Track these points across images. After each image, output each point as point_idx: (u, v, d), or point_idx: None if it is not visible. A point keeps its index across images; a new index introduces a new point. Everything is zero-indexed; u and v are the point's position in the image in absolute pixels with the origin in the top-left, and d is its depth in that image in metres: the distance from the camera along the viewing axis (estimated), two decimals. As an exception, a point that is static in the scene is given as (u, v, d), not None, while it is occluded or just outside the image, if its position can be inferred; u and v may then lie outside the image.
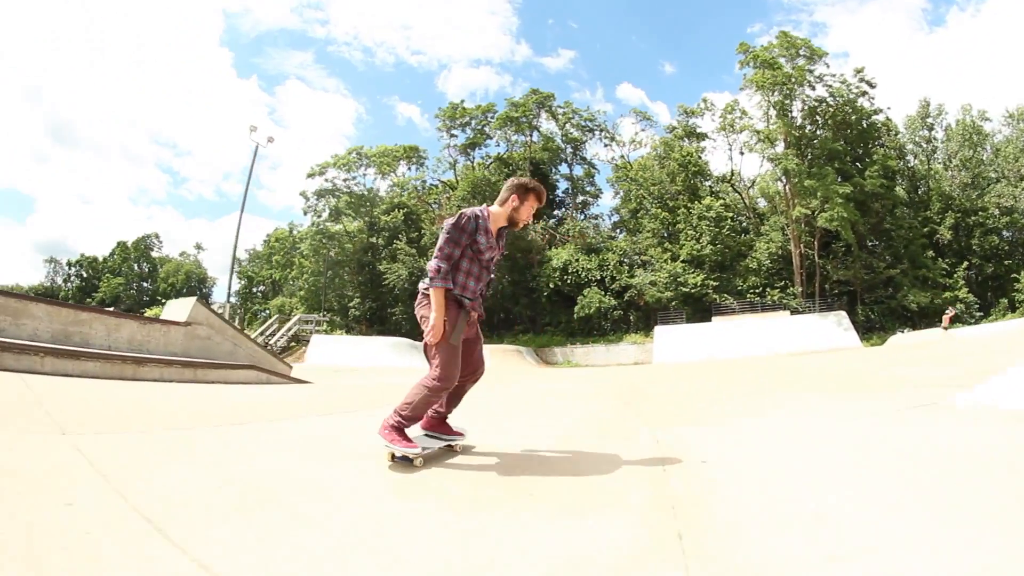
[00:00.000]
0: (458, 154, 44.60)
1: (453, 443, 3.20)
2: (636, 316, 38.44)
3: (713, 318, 35.81)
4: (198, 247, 75.59)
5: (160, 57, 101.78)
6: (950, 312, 30.03)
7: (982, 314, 35.89)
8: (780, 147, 37.28)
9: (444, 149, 44.60)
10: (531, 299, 40.86)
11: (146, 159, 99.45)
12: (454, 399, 3.20)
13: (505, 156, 44.70)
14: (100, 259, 75.72)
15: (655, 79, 74.31)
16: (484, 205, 3.03)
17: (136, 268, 74.68)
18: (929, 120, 39.66)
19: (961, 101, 49.35)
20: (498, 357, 33.63)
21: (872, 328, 35.65)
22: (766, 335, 32.89)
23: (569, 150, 43.85)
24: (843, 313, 33.98)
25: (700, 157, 39.45)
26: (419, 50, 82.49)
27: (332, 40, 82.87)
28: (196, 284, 71.75)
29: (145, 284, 74.92)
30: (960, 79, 64.45)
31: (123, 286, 71.84)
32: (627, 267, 38.60)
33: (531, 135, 43.68)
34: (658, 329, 35.33)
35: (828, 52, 36.99)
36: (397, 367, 26.91)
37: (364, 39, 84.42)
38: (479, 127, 44.28)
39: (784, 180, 36.38)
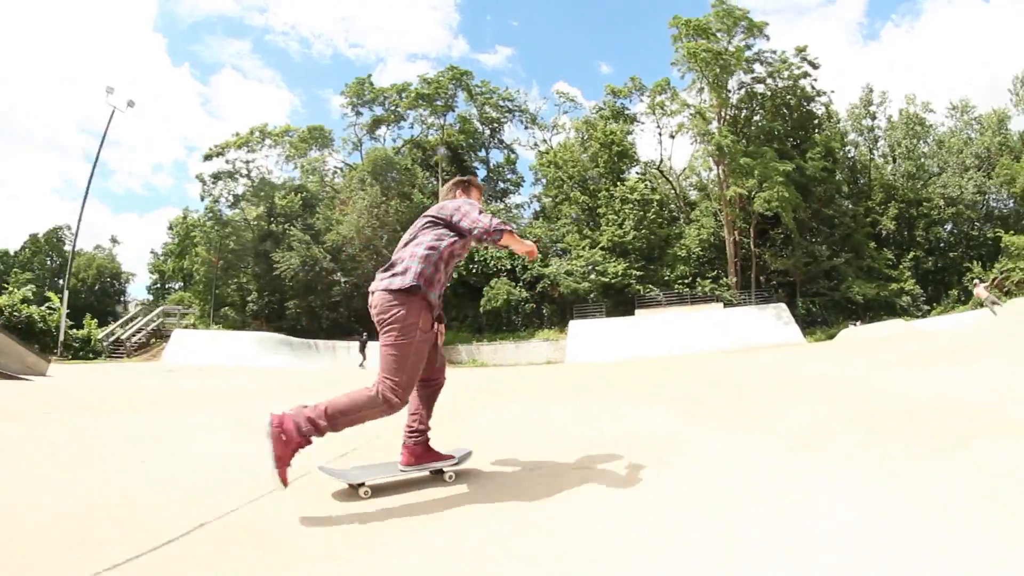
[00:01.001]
0: (364, 133, 38.49)
1: (442, 468, 2.46)
2: (550, 310, 32.44)
3: (636, 311, 30.15)
4: (114, 240, 67.45)
5: (91, 41, 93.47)
6: (979, 281, 22.65)
7: (928, 307, 31.44)
8: (714, 126, 32.18)
9: (349, 128, 38.43)
10: (436, 292, 34.52)
11: (72, 149, 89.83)
12: (431, 408, 2.52)
13: (420, 139, 38.82)
14: (11, 253, 67.12)
15: (591, 79, 71.40)
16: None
17: (48, 262, 66.23)
18: (872, 108, 35.22)
19: (905, 93, 45.73)
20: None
21: (814, 322, 30.44)
22: (698, 330, 27.44)
23: (487, 133, 38.11)
24: (783, 306, 28.78)
25: (626, 139, 34.09)
26: (357, 42, 77.09)
27: (270, 29, 76.65)
28: (109, 279, 63.60)
29: (58, 280, 66.36)
30: (893, 91, 62.73)
31: (34, 280, 63.20)
32: (541, 255, 32.71)
33: (445, 117, 37.89)
34: (573, 324, 29.45)
35: (768, 23, 32.25)
36: (262, 367, 20.30)
37: (302, 29, 78.66)
38: (392, 107, 38.35)
39: (718, 159, 31.13)
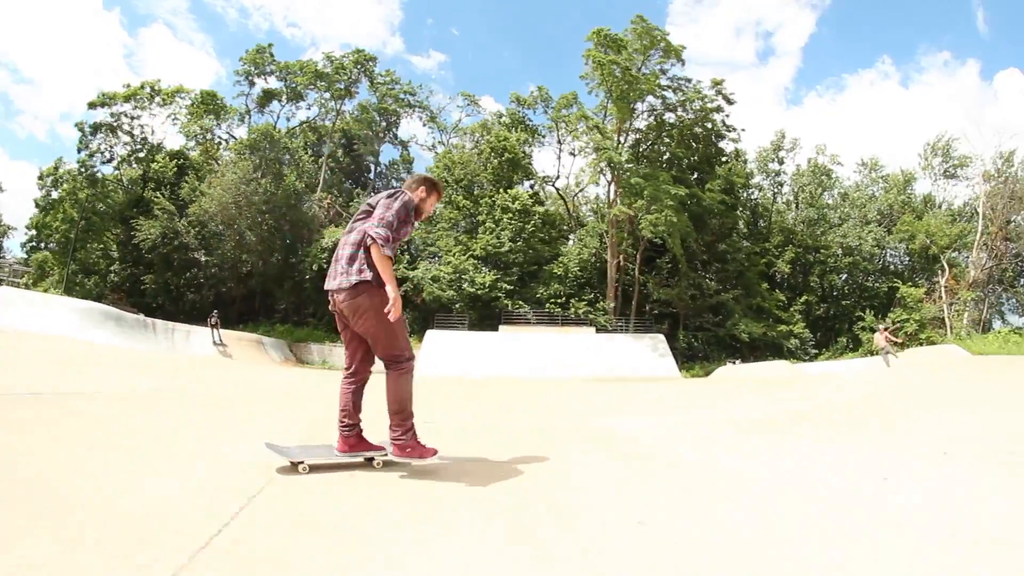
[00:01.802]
0: (254, 106, 34.44)
1: (370, 457, 2.73)
2: (412, 317, 28.50)
3: (500, 327, 26.56)
4: (-3, 188, 60.23)
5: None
6: (882, 329, 20.84)
7: (817, 351, 29.07)
8: (612, 144, 29.21)
9: (239, 97, 34.31)
10: (295, 283, 30.36)
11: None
12: (359, 401, 2.75)
13: (315, 122, 34.96)
14: None
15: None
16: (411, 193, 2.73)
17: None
18: (782, 153, 33.06)
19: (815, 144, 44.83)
20: (230, 345, 23.63)
21: (694, 356, 27.43)
22: (565, 354, 24.11)
23: (383, 124, 34.42)
24: (660, 336, 25.64)
25: (522, 149, 30.87)
26: (295, 22, 71.65)
27: (211, -11, 71.08)
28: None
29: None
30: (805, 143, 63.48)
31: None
32: (409, 257, 28.95)
33: (341, 103, 34.16)
34: (430, 334, 25.63)
35: (686, 47, 29.70)
36: (87, 340, 16.03)
37: (244, -3, 72.54)
38: (291, 84, 34.45)
39: (610, 176, 28.10)
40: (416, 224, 2.84)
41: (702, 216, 27.57)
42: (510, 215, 27.53)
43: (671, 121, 30.01)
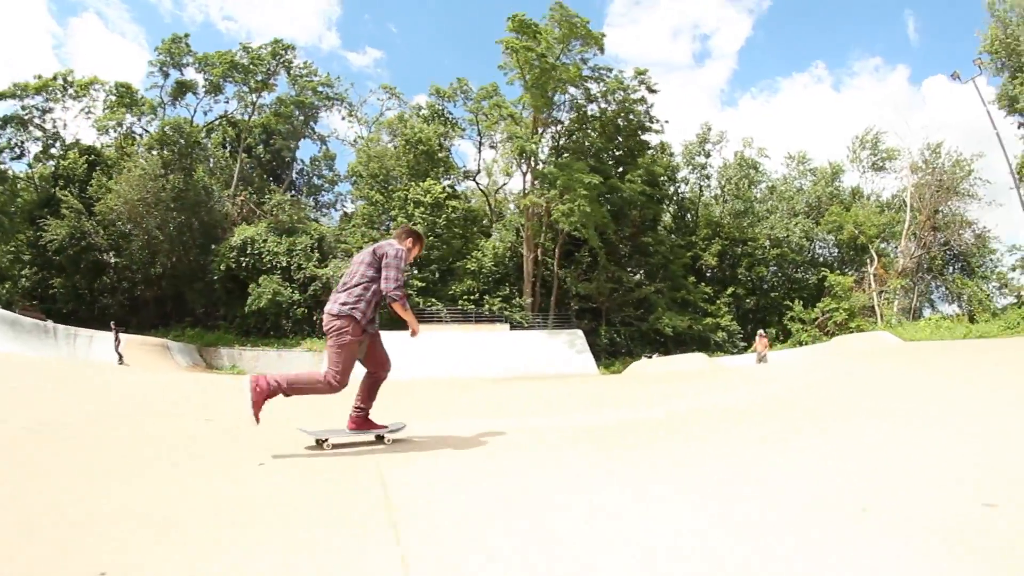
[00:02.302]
0: (168, 97, 32.41)
1: (382, 434, 3.51)
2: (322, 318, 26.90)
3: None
4: None
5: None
6: (762, 334, 20.98)
7: (745, 344, 28.12)
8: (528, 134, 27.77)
9: (151, 89, 32.26)
10: (205, 284, 28.52)
11: None
12: (372, 393, 3.52)
13: (234, 116, 33.07)
14: None
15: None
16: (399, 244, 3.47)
17: None
18: (708, 146, 31.96)
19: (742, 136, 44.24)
20: (133, 351, 21.39)
21: (617, 352, 26.23)
22: (476, 352, 22.88)
23: (301, 119, 32.60)
24: (578, 332, 24.43)
25: (440, 141, 29.31)
26: (231, 15, 68.49)
27: (146, -22, 67.50)
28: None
29: None
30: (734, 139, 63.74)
31: None
32: (318, 254, 27.30)
33: (259, 96, 32.28)
34: (337, 336, 24.12)
35: (605, 34, 28.36)
36: None
37: (179, -13, 69.38)
38: (209, 76, 32.48)
39: (523, 166, 26.72)
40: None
41: (622, 208, 26.32)
42: (422, 209, 26.00)
43: (594, 112, 28.71)
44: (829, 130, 58.09)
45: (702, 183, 32.13)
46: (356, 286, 3.28)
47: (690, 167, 32.07)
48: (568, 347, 24.10)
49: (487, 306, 25.19)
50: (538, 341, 24.22)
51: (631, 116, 28.32)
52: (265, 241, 27.68)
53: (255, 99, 32.45)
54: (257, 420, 3.02)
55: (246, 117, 32.76)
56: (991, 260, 29.24)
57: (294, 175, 34.07)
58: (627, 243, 26.77)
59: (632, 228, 26.79)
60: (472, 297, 25.37)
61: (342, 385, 3.16)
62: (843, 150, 37.59)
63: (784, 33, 67.26)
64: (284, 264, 27.20)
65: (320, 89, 32.67)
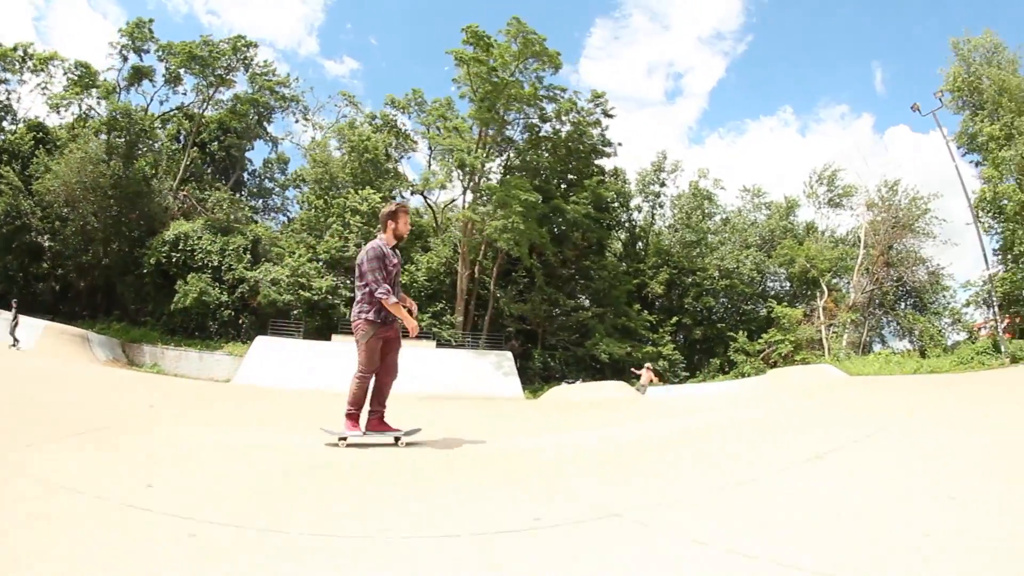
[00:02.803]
0: (124, 82, 31.57)
1: (397, 436, 4.06)
2: (249, 321, 25.89)
3: (335, 337, 24.09)
4: None
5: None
6: (649, 367, 20.63)
7: (688, 374, 27.08)
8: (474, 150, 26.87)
9: (109, 71, 31.36)
10: (136, 277, 27.53)
11: None
12: (380, 397, 4.16)
13: (190, 110, 32.23)
14: None
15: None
16: (378, 238, 4.07)
17: None
18: (663, 175, 31.12)
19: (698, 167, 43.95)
20: (49, 340, 21.15)
21: (550, 377, 25.26)
22: (404, 368, 21.67)
23: (255, 119, 31.71)
24: (507, 354, 23.49)
25: (387, 151, 28.42)
26: (215, 10, 67.58)
27: (135, -35, 66.48)
28: None
29: None
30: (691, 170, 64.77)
31: None
32: (250, 256, 26.32)
33: (215, 91, 31.45)
34: (259, 340, 23.24)
35: (561, 53, 27.58)
36: None
37: (167, -20, 68.37)
38: (170, 68, 31.70)
39: (464, 180, 25.83)
40: (398, 254, 4.20)
41: (566, 230, 25.41)
42: (359, 218, 25.07)
43: (547, 133, 27.87)
44: (792, 173, 58.68)
45: (655, 211, 31.23)
46: (360, 297, 4.00)
47: (643, 195, 31.17)
48: (495, 368, 23.12)
49: (418, 322, 24.10)
50: (464, 361, 23.23)
51: (584, 139, 27.49)
52: (200, 238, 26.77)
53: (212, 93, 31.66)
54: (396, 437, 4.04)
55: (202, 111, 31.95)
56: (944, 296, 28.47)
57: (245, 176, 33.14)
58: (569, 266, 25.79)
59: (574, 251, 25.83)
60: (401, 311, 24.29)
61: (370, 372, 3.97)
62: (801, 186, 36.82)
63: (755, 77, 69.01)
64: (216, 264, 26.25)
65: (277, 89, 31.84)
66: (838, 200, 29.40)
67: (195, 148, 31.96)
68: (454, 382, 21.47)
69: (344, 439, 3.85)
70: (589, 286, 25.90)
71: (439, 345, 24.02)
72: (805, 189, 29.65)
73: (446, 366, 22.66)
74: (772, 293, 30.22)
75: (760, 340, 25.25)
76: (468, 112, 25.58)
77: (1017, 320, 23.46)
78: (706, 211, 30.97)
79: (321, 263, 25.37)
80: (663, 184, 30.71)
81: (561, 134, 27.81)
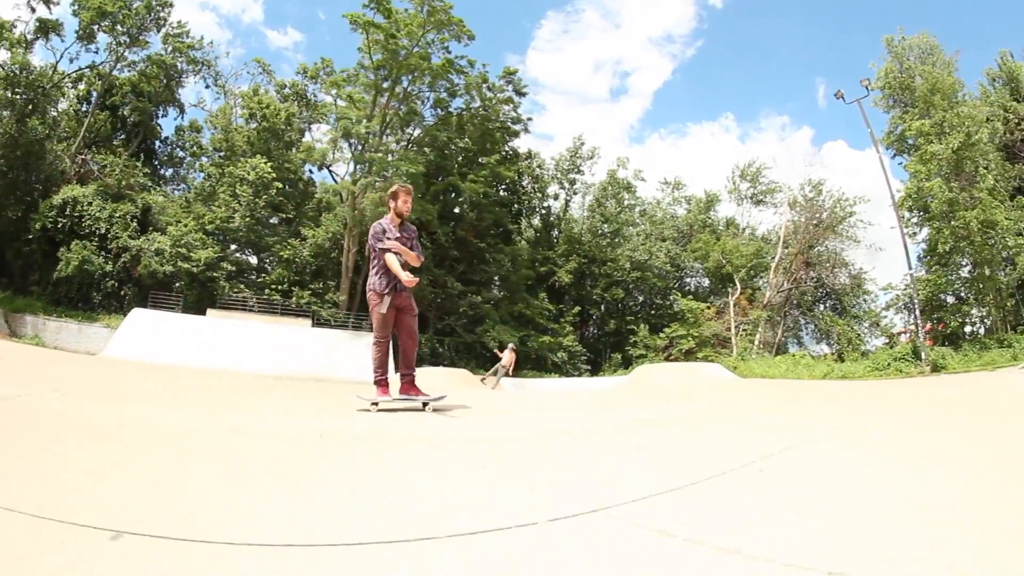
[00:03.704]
0: (31, 35, 29.94)
1: (426, 401, 4.30)
2: (132, 292, 24.84)
3: (210, 311, 23.06)
4: None
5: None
6: (513, 347, 19.38)
7: (589, 368, 25.94)
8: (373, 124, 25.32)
9: (16, 23, 29.66)
10: (24, 244, 26.44)
11: None
12: (407, 360, 4.47)
13: (103, 70, 30.68)
14: None
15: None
16: (385, 217, 4.47)
17: None
18: (579, 160, 29.51)
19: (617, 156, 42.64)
20: None
21: (438, 363, 24.11)
22: (269, 347, 21.04)
23: (164, 83, 30.04)
24: None
25: (289, 119, 26.81)
26: None
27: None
28: None
29: None
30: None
31: None
32: (136, 224, 25.12)
33: (128, 51, 29.84)
34: (135, 312, 22.30)
35: (475, 35, 25.82)
36: None
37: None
38: (83, 23, 30.03)
39: (352, 149, 24.40)
40: (410, 229, 4.48)
41: (461, 210, 24.02)
42: (245, 187, 23.76)
43: (458, 108, 26.32)
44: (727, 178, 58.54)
45: (569, 199, 29.74)
46: (371, 272, 4.38)
47: (559, 182, 29.65)
48: (368, 350, 21.93)
49: (295, 298, 22.99)
50: (337, 341, 22.23)
51: (492, 116, 25.93)
52: (90, 204, 25.57)
53: (123, 53, 30.09)
54: (423, 401, 4.33)
55: (111, 72, 30.41)
56: (865, 300, 27.07)
57: (157, 143, 31.69)
58: (464, 248, 24.44)
59: (471, 232, 24.46)
60: (281, 287, 23.17)
61: (383, 337, 4.38)
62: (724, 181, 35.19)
63: (701, 81, 69.22)
64: (103, 231, 25.09)
65: (190, 53, 30.23)
66: (761, 197, 27.89)
67: (106, 111, 30.50)
68: (321, 363, 20.55)
69: (376, 404, 4.16)
70: (485, 270, 24.58)
71: (316, 324, 22.91)
72: (727, 184, 28.22)
73: (316, 346, 21.69)
74: (688, 289, 28.88)
75: (662, 335, 23.96)
76: (360, 80, 24.00)
77: (940, 326, 22.14)
78: (625, 202, 29.45)
79: (208, 234, 24.16)
80: (579, 171, 29.14)
81: (470, 110, 26.26)
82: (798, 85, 68.00)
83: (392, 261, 4.13)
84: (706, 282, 28.75)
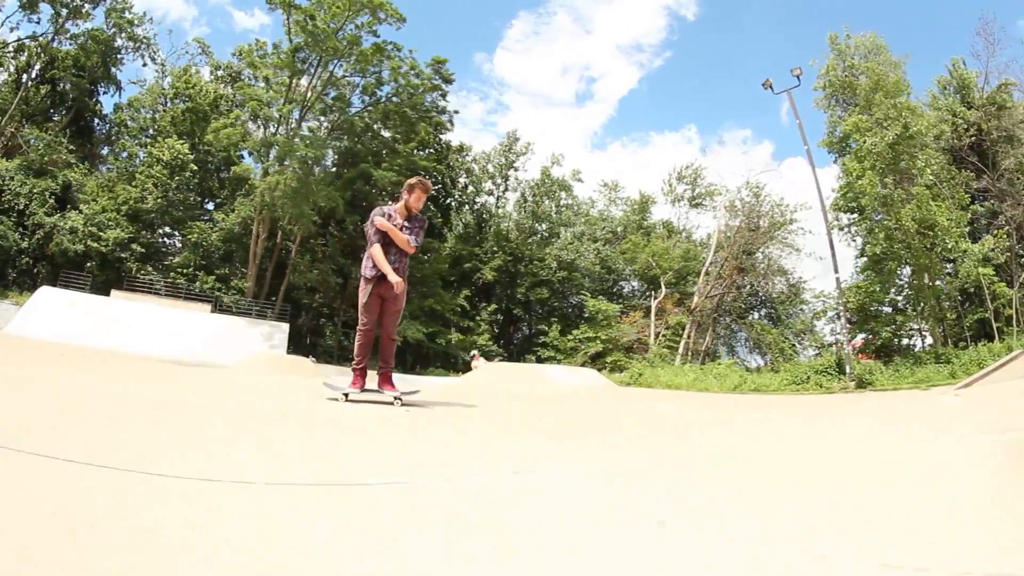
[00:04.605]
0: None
1: (397, 396, 4.07)
2: (45, 271, 24.61)
3: (114, 292, 22.76)
4: None
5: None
6: (476, 354, 19.24)
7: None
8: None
9: None
10: (-53, 217, 26.31)
11: None
12: (384, 353, 4.33)
13: (44, 41, 30.23)
14: None
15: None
16: (390, 203, 4.48)
17: None
18: (512, 156, 28.41)
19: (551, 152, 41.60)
20: None
21: (345, 356, 23.62)
22: (166, 331, 20.76)
23: (99, 61, 29.41)
24: (283, 326, 22.18)
25: (218, 102, 26.07)
26: None
27: None
28: None
29: None
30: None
31: None
32: (54, 200, 24.75)
33: (70, 23, 29.31)
34: (42, 291, 22.11)
35: (406, 18, 24.78)
36: None
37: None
38: (27, -1, 29.55)
39: (265, 131, 23.66)
40: (421, 220, 4.34)
41: (369, 198, 23.24)
42: (160, 167, 23.23)
43: (384, 95, 25.40)
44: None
45: (498, 195, 28.72)
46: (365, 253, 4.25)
47: (491, 178, 28.62)
48: (264, 341, 21.68)
49: (200, 283, 22.49)
50: (235, 329, 21.90)
51: (418, 104, 24.98)
52: (12, 179, 25.30)
53: (65, 25, 29.59)
54: (396, 397, 4.11)
55: (55, 45, 29.97)
56: (803, 310, 25.78)
57: (96, 121, 31.20)
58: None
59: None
60: (186, 271, 22.68)
61: (366, 325, 4.13)
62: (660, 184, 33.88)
63: (667, 91, 68.55)
64: (22, 207, 24.80)
65: (132, 29, 29.60)
66: (699, 200, 26.56)
67: (45, 84, 30.11)
68: (211, 351, 20.12)
69: (347, 395, 4.00)
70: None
71: (217, 310, 22.40)
72: (663, 186, 27.00)
73: (216, 334, 21.29)
74: (620, 292, 27.80)
75: (570, 337, 23.03)
76: (273, 62, 23.19)
77: (871, 337, 20.66)
78: (561, 201, 28.38)
79: (123, 215, 23.72)
80: (512, 166, 28.09)
81: (399, 97, 25.32)
82: (762, 100, 68.77)
83: (377, 254, 3.97)
84: (636, 285, 27.65)
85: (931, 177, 18.15)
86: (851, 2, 51.76)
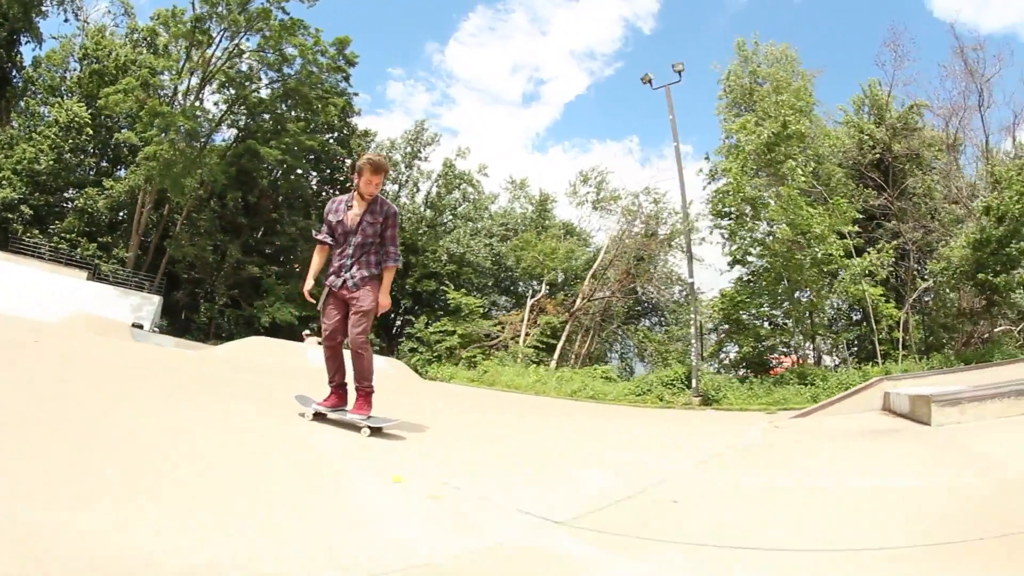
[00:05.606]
0: None
1: (371, 425, 3.40)
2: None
3: (2, 253, 23.15)
4: None
5: None
6: (307, 334, 19.48)
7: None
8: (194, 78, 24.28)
9: None
10: None
11: None
12: (355, 370, 3.55)
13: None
14: None
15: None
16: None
17: None
18: (418, 146, 27.90)
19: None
20: None
21: (218, 334, 23.84)
22: (49, 294, 21.18)
23: (20, 10, 29.26)
24: (154, 298, 22.51)
25: (127, 66, 25.86)
26: None
27: None
28: None
29: None
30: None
31: None
32: None
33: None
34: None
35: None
36: None
37: None
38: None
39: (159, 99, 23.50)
40: (385, 209, 3.54)
41: (258, 174, 23.09)
42: (56, 130, 23.36)
43: (288, 73, 25.04)
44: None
45: (402, 184, 28.24)
46: None
47: (394, 165, 28.16)
48: (131, 311, 21.82)
49: (81, 250, 22.76)
50: (100, 297, 22.01)
51: (316, 83, 24.58)
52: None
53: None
54: (366, 425, 3.46)
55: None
56: (691, 319, 24.90)
57: (17, 80, 31.18)
58: (256, 215, 23.59)
59: (267, 200, 23.55)
60: (69, 237, 22.94)
61: (326, 333, 3.58)
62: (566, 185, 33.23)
63: (613, 101, 67.78)
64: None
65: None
66: (602, 204, 25.80)
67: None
68: (95, 321, 20.38)
69: (318, 415, 3.58)
70: (272, 242, 23.75)
71: (93, 278, 22.68)
72: (567, 188, 26.35)
73: (75, 300, 21.43)
74: (515, 288, 27.42)
75: (431, 328, 22.80)
76: (173, 31, 22.91)
77: (739, 350, 19.72)
78: (466, 194, 27.95)
79: (17, 174, 23.94)
80: (417, 156, 27.62)
81: (301, 75, 24.93)
82: (705, 118, 68.26)
83: (313, 262, 3.57)
84: (535, 284, 27.25)
85: (804, 181, 17.02)
86: (811, 28, 52.47)
